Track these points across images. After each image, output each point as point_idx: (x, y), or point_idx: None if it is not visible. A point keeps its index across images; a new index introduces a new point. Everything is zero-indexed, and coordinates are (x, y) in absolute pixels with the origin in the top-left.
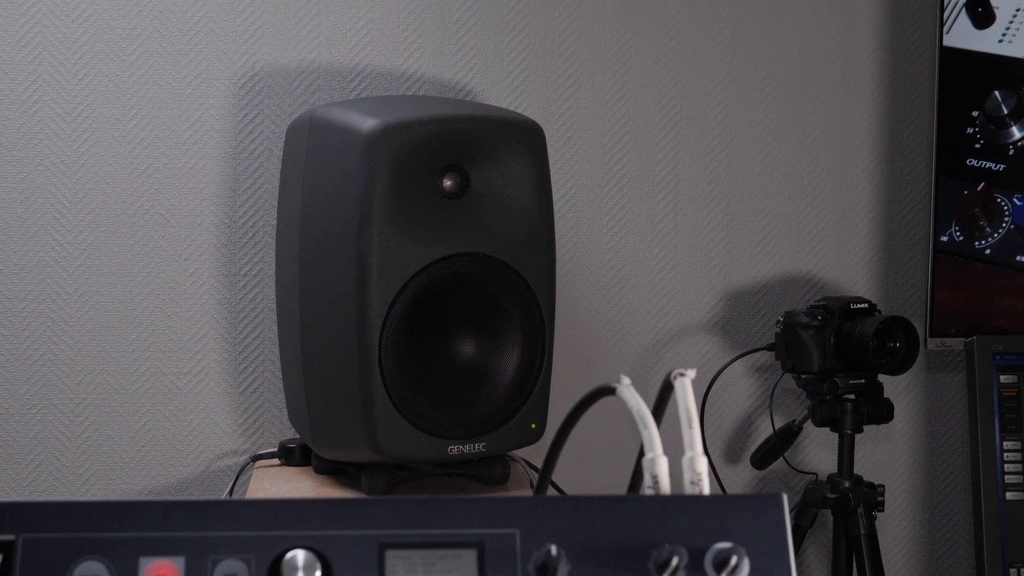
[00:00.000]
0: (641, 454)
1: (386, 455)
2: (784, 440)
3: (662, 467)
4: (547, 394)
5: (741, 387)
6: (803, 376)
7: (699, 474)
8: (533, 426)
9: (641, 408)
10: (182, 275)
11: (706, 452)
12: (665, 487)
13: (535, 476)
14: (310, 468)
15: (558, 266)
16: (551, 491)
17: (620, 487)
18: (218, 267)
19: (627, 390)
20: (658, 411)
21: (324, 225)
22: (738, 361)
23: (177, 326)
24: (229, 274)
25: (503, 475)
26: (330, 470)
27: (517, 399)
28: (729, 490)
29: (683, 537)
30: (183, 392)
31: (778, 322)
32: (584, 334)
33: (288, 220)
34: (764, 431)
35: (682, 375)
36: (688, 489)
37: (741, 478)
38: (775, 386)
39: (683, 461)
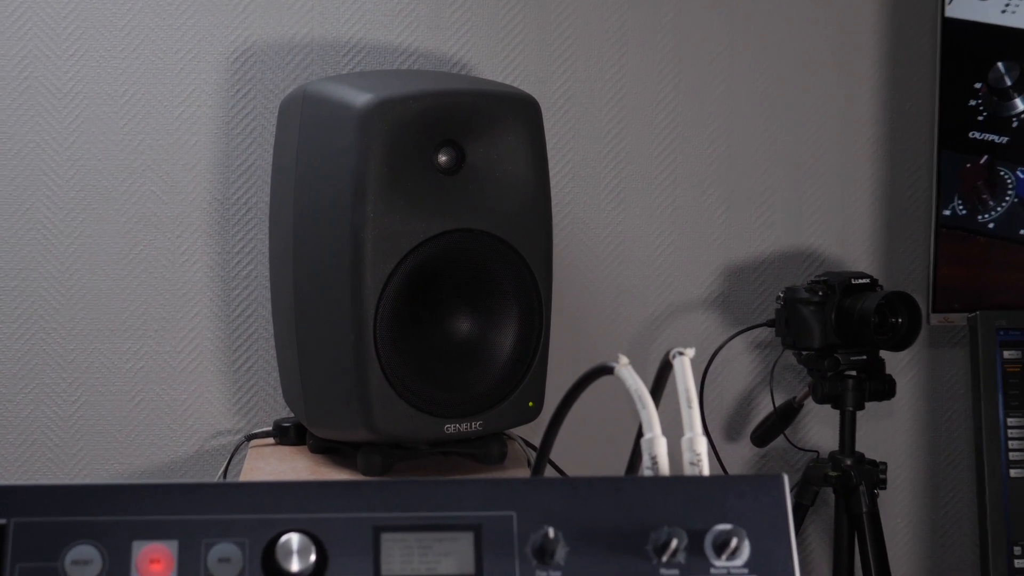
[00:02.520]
0: (640, 435)
1: (381, 434)
2: (785, 417)
3: (661, 448)
4: (544, 372)
5: (741, 364)
6: (804, 352)
7: (699, 455)
8: (531, 404)
9: (639, 388)
10: (174, 252)
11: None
12: (664, 468)
13: (533, 455)
14: (305, 447)
15: (555, 242)
16: (549, 472)
17: (619, 467)
18: (211, 244)
19: (625, 369)
20: (656, 391)
21: (318, 201)
22: (738, 338)
23: (169, 304)
24: (222, 251)
25: (500, 454)
26: (325, 449)
27: (514, 377)
28: (729, 469)
29: (682, 519)
30: (176, 371)
31: (778, 298)
32: (582, 311)
33: (281, 197)
34: (764, 408)
35: (681, 354)
36: (687, 470)
37: (741, 456)
38: (775, 363)
39: (682, 441)
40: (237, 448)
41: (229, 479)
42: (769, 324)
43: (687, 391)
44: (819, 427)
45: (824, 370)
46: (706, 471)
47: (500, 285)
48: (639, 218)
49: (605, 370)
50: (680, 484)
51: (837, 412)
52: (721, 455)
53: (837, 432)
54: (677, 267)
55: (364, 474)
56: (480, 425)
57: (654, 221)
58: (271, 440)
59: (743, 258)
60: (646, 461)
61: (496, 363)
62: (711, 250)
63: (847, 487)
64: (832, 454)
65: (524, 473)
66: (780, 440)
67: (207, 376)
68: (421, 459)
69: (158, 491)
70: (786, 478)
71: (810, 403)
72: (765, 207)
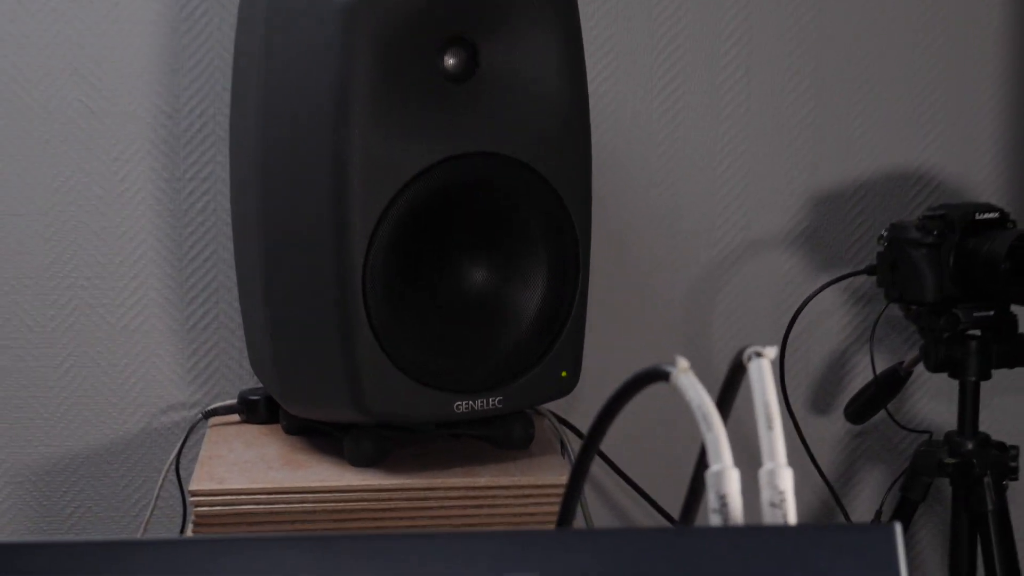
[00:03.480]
0: (702, 463)
1: (374, 415)
2: (888, 388)
3: (732, 484)
4: (581, 333)
5: (833, 321)
6: (913, 307)
7: (782, 493)
8: (564, 374)
9: (703, 403)
10: (111, 179)
11: (788, 409)
12: (736, 513)
13: (570, 438)
14: (278, 427)
15: (594, 167)
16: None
17: (671, 482)
18: (157, 169)
19: (685, 377)
20: (725, 402)
21: (290, 119)
22: (829, 288)
23: (106, 244)
24: (171, 178)
25: (525, 437)
26: (304, 429)
27: (543, 340)
28: (817, 451)
29: None
30: (115, 329)
31: (881, 237)
32: (628, 256)
33: (244, 111)
34: (862, 376)
35: (759, 355)
36: (767, 515)
37: (831, 435)
38: (877, 320)
39: (760, 474)
40: (193, 427)
41: (183, 468)
42: (869, 271)
43: (766, 407)
44: (932, 401)
45: (939, 330)
46: (791, 516)
47: (525, 225)
48: (701, 132)
49: (657, 376)
50: (758, 536)
51: (955, 382)
52: (806, 433)
53: (955, 408)
54: (750, 195)
55: (352, 463)
56: (499, 401)
57: (721, 134)
58: (236, 417)
59: (836, 182)
60: (712, 502)
61: (520, 323)
62: (794, 172)
63: (968, 478)
64: (949, 435)
65: (556, 462)
66: (881, 416)
67: (154, 335)
68: (425, 444)
69: (54, 551)
70: (899, 528)
71: (920, 371)
72: (864, 119)
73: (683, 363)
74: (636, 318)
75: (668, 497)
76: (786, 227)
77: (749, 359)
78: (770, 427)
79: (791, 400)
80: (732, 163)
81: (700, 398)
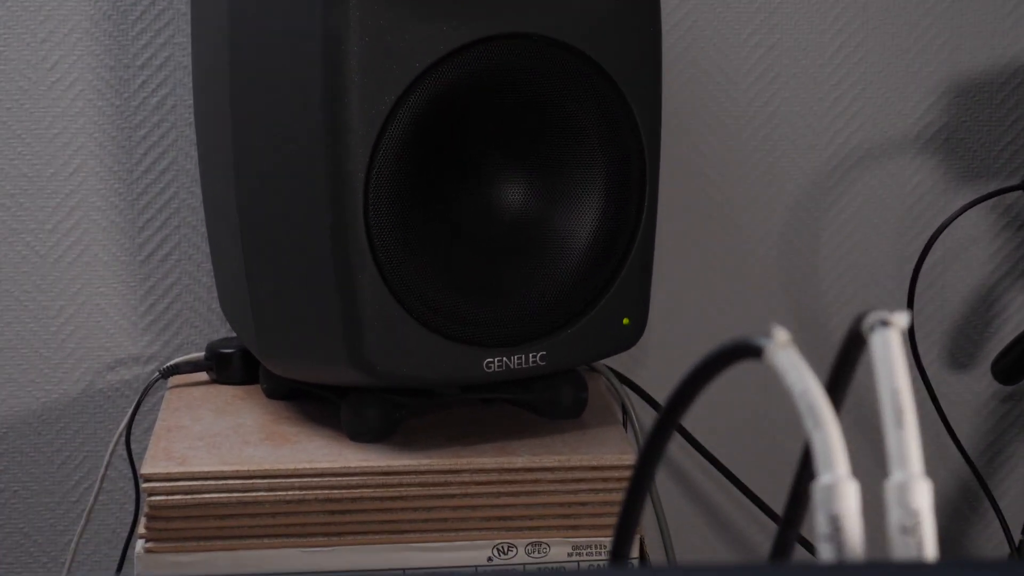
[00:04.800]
0: (805, 469)
1: (380, 375)
2: None
3: (849, 502)
4: (648, 268)
5: (977, 251)
6: None
7: (917, 515)
8: (625, 322)
9: (809, 390)
10: (39, 66)
11: (919, 365)
12: (854, 542)
13: (633, 402)
14: (258, 388)
15: (664, 59)
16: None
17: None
18: (98, 53)
19: (784, 354)
20: (837, 386)
21: None
22: (973, 209)
23: (32, 150)
24: (117, 64)
25: (575, 402)
26: (290, 393)
27: (597, 278)
28: (956, 414)
29: None
30: (45, 261)
31: None
32: (707, 169)
33: None
34: (1015, 323)
35: (885, 324)
36: (896, 544)
37: (974, 395)
38: None
39: (887, 486)
40: (148, 389)
41: (135, 442)
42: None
43: (895, 396)
44: None
45: None
46: (930, 546)
47: (575, 129)
48: (803, 9)
49: (747, 352)
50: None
51: None
52: (941, 395)
53: None
54: (868, 83)
55: (352, 438)
56: (542, 358)
57: (828, 12)
58: (202, 376)
59: (980, 73)
60: (821, 526)
61: (568, 256)
62: (925, 53)
63: None
64: None
65: (616, 435)
66: None
67: (96, 269)
68: (446, 413)
69: None
70: None
71: None
72: None
73: (781, 335)
74: (718, 248)
75: (760, 485)
76: (914, 129)
77: (872, 329)
78: (900, 424)
79: (922, 354)
80: (844, 45)
81: (804, 383)
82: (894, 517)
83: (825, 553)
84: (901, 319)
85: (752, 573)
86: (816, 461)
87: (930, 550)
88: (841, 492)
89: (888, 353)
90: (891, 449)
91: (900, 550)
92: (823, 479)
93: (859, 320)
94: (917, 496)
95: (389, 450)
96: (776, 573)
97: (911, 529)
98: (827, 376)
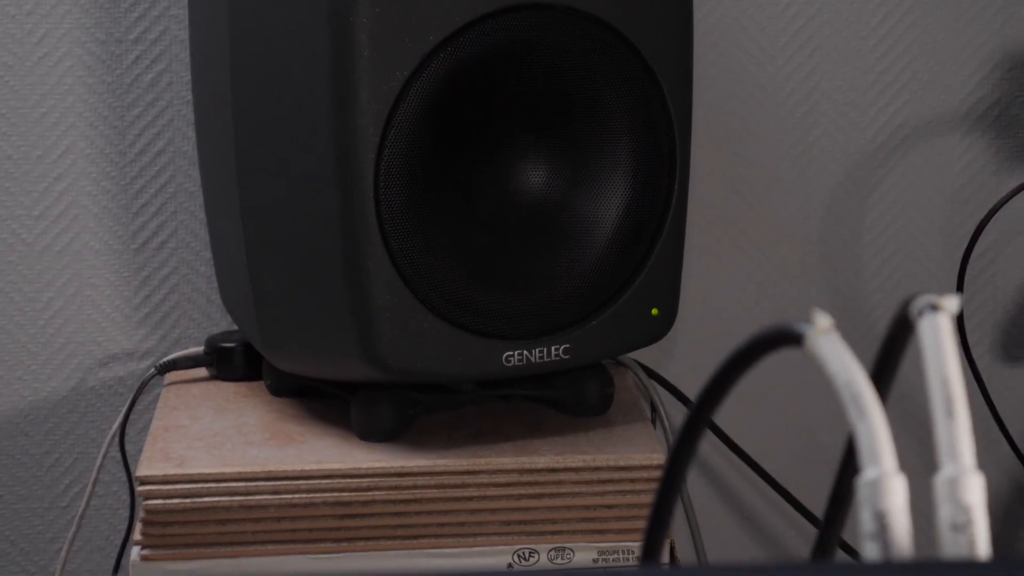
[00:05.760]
0: (848, 464)
1: (393, 370)
2: None
3: (896, 499)
4: (678, 256)
5: None
6: None
7: (969, 511)
8: (654, 312)
9: (853, 380)
10: (28, 42)
11: (968, 356)
12: (902, 540)
13: (663, 398)
14: (261, 384)
15: (696, 30)
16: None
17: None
18: (88, 27)
19: (826, 341)
20: (884, 377)
21: None
22: None
23: (18, 131)
24: (108, 39)
25: (601, 398)
26: (296, 390)
27: (624, 266)
28: (1010, 409)
29: None
30: (33, 249)
31: None
32: (742, 149)
33: None
34: None
35: (934, 308)
36: (947, 541)
37: None
38: None
39: (936, 481)
40: (144, 385)
41: (130, 442)
42: None
43: (945, 385)
44: None
45: None
46: (982, 544)
47: (602, 107)
48: None
49: (787, 339)
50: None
51: None
52: (992, 387)
53: None
54: (916, 62)
55: (363, 437)
56: (565, 351)
57: None
58: (202, 372)
59: None
60: (866, 524)
61: (593, 243)
62: (978, 28)
63: None
64: None
65: (644, 433)
66: None
67: (88, 258)
68: (462, 411)
69: None
70: None
71: None
72: None
73: (823, 321)
74: (754, 233)
75: (797, 486)
76: (964, 106)
77: (920, 314)
78: (950, 414)
79: (972, 346)
80: (889, 15)
81: (848, 372)
82: (944, 513)
83: (870, 552)
84: (952, 303)
85: (795, 574)
86: (861, 455)
87: (983, 548)
88: (888, 487)
89: (938, 339)
90: (941, 441)
91: (950, 548)
92: (868, 474)
93: (906, 304)
94: (969, 491)
95: (402, 450)
96: (819, 572)
97: (962, 526)
98: (872, 365)
